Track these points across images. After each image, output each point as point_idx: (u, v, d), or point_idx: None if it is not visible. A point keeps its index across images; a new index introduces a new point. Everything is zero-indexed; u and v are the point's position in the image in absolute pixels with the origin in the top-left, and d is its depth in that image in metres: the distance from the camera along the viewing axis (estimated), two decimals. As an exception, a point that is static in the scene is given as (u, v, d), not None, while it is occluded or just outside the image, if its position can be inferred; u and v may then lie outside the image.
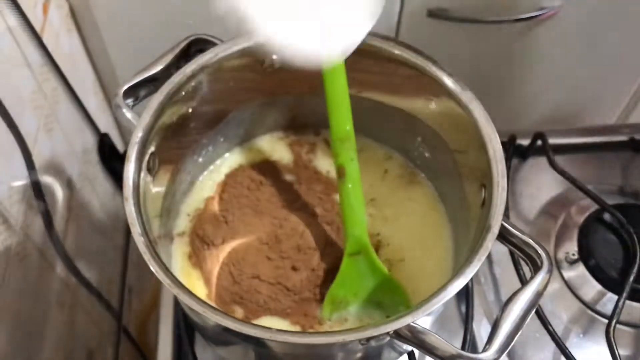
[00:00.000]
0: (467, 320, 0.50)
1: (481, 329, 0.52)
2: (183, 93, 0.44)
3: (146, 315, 0.87)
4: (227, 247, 0.48)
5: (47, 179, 0.69)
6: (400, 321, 0.34)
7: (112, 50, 0.92)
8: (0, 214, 0.57)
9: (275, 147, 0.54)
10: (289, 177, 0.52)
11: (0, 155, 0.58)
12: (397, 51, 0.45)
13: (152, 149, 0.42)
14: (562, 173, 0.56)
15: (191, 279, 0.47)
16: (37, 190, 0.57)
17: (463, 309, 0.52)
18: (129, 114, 0.43)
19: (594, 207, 0.57)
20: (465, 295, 0.51)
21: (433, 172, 0.50)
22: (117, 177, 0.82)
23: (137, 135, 0.40)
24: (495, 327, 0.35)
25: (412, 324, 0.34)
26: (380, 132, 0.53)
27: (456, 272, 0.36)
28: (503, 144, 0.59)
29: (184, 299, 0.34)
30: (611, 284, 0.52)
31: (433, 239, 0.49)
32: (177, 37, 0.47)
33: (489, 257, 0.56)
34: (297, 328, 0.44)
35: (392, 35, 0.97)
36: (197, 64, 0.45)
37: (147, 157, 0.41)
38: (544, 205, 0.59)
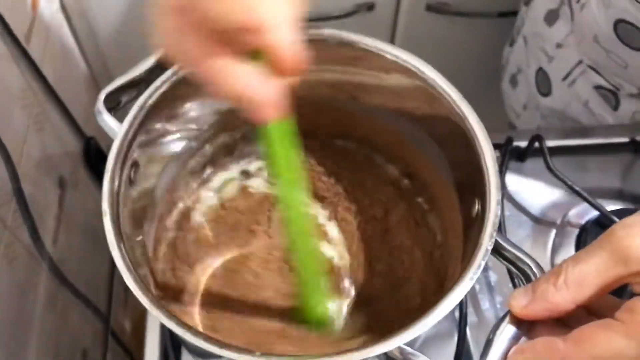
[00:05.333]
0: (460, 330, 0.49)
1: (476, 337, 0.51)
2: (167, 99, 0.43)
3: (142, 312, 0.86)
4: None
5: (37, 179, 0.68)
6: (390, 343, 0.33)
7: (104, 46, 0.91)
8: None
9: None
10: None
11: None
12: (390, 56, 0.43)
13: (133, 158, 0.40)
14: (559, 177, 0.55)
15: None
16: (20, 197, 0.55)
17: (457, 314, 0.51)
18: (110, 121, 0.41)
19: (594, 212, 0.55)
20: (459, 304, 0.50)
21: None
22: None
23: (116, 145, 0.39)
24: (487, 347, 0.34)
25: (402, 345, 0.33)
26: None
27: (447, 291, 0.35)
28: (500, 145, 0.58)
29: (165, 322, 0.33)
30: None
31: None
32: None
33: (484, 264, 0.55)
34: None
35: (389, 30, 0.96)
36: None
37: (128, 168, 0.40)
38: (541, 209, 0.58)
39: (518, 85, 0.77)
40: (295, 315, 0.44)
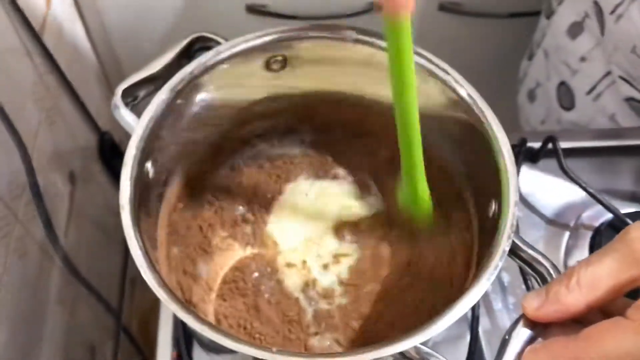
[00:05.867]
0: (472, 330, 0.49)
1: (488, 338, 0.51)
2: (184, 94, 0.43)
3: (149, 308, 0.87)
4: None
5: (48, 174, 0.69)
6: (406, 342, 0.33)
7: (116, 41, 0.91)
8: None
9: None
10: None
11: (1, 151, 0.57)
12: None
13: (152, 153, 0.40)
14: (573, 179, 0.55)
15: None
16: (35, 190, 0.55)
17: (469, 314, 0.51)
18: (127, 116, 0.41)
19: (608, 214, 0.55)
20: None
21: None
22: (118, 175, 0.82)
23: (135, 141, 0.39)
24: (502, 348, 0.34)
25: (418, 345, 0.33)
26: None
27: (464, 291, 0.35)
28: (513, 146, 0.58)
29: (182, 316, 0.33)
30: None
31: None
32: (185, 29, 0.46)
33: (497, 264, 0.54)
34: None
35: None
36: (199, 63, 0.43)
37: (146, 162, 0.40)
38: (555, 211, 0.58)
39: (536, 99, 0.77)
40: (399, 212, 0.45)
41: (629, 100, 0.63)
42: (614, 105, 0.65)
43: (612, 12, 0.60)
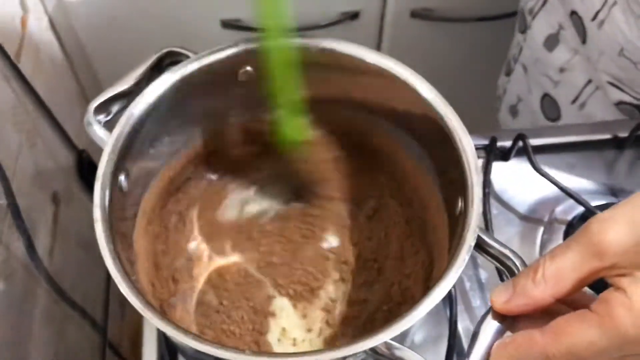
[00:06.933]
0: (450, 326, 0.50)
1: (467, 334, 0.52)
2: (154, 107, 0.43)
3: (138, 327, 0.87)
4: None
5: (31, 195, 0.69)
6: (376, 338, 0.34)
7: (93, 60, 0.92)
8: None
9: None
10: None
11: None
12: (370, 60, 0.44)
13: (124, 166, 0.41)
14: (544, 175, 0.56)
15: None
16: (16, 212, 0.56)
17: (447, 311, 0.52)
18: (100, 132, 0.42)
19: (580, 207, 0.56)
20: (449, 301, 0.51)
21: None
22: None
23: (106, 154, 0.40)
24: (473, 340, 0.35)
25: (388, 340, 0.34)
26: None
27: (432, 285, 0.35)
28: (484, 146, 0.59)
29: (158, 324, 0.34)
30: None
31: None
32: (163, 46, 0.47)
33: (474, 261, 0.55)
34: None
35: (375, 38, 0.97)
36: (167, 77, 0.44)
37: (119, 176, 0.41)
38: (528, 207, 0.58)
39: (519, 115, 0.77)
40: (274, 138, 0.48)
41: (620, 104, 0.63)
42: (601, 112, 0.66)
43: (594, 18, 0.61)
